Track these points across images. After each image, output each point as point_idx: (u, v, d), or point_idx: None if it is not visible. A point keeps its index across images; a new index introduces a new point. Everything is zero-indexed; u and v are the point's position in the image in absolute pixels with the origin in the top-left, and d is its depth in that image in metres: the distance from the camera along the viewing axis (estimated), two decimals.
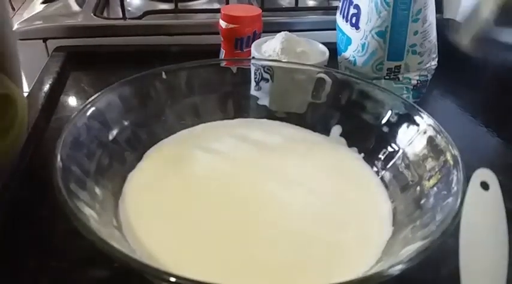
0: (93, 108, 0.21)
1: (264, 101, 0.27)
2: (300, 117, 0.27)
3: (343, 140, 0.26)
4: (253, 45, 0.31)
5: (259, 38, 0.33)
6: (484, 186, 0.23)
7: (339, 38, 0.32)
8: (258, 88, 0.27)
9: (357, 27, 0.30)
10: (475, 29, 0.34)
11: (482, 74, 0.32)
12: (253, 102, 0.27)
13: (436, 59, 0.31)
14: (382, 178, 0.23)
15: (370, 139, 0.24)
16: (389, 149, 0.23)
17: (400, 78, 0.30)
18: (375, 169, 0.24)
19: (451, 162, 0.19)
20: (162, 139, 0.25)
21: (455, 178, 0.19)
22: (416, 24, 0.28)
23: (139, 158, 0.23)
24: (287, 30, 0.31)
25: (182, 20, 0.41)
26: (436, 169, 0.20)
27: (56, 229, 0.21)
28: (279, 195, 0.22)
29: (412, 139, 0.22)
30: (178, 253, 0.18)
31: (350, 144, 0.25)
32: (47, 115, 0.29)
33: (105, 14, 0.42)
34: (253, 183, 0.22)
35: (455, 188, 0.18)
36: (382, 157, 0.23)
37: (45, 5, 0.41)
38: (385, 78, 0.30)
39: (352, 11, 0.30)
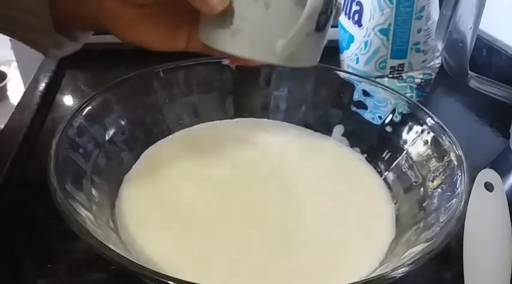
0: (89, 108, 0.21)
1: (233, 43, 0.17)
2: (301, 116, 0.26)
3: (345, 140, 0.25)
4: None
5: None
6: (488, 186, 0.23)
7: (341, 35, 0.32)
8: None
9: (360, 25, 0.29)
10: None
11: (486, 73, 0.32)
12: (254, 102, 0.27)
13: (440, 58, 0.31)
14: (385, 179, 0.23)
15: (373, 140, 0.24)
16: (393, 149, 0.23)
17: (404, 77, 0.30)
18: (378, 169, 0.23)
19: (455, 163, 0.19)
20: (160, 139, 0.24)
21: (459, 179, 0.18)
22: (419, 22, 0.28)
23: (136, 158, 0.23)
24: None
25: None
26: (440, 170, 0.20)
27: (52, 231, 0.21)
28: (280, 197, 0.21)
29: (415, 139, 0.22)
30: (175, 256, 0.18)
31: (352, 144, 0.25)
32: (42, 115, 0.29)
33: None
34: (254, 184, 0.22)
35: (459, 189, 0.18)
36: (385, 158, 0.23)
37: None
38: (388, 77, 0.30)
39: (355, 8, 0.29)
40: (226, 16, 0.16)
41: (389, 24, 0.28)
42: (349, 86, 0.25)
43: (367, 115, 0.25)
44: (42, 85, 0.31)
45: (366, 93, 0.24)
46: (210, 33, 0.17)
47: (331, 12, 0.17)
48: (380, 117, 0.24)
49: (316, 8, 0.16)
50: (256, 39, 0.17)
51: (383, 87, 0.24)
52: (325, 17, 0.17)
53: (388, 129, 0.23)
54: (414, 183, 0.21)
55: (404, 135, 0.23)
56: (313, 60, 0.18)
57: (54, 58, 0.31)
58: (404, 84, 0.30)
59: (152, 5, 0.17)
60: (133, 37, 0.17)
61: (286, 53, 0.17)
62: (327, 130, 0.26)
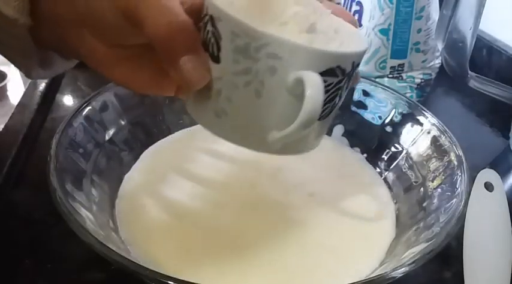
0: (89, 108, 0.21)
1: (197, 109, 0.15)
2: None
3: (345, 140, 0.25)
4: None
5: None
6: (488, 186, 0.23)
7: None
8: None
9: (360, 25, 0.29)
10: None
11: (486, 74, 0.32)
12: None
13: (440, 58, 0.31)
14: (385, 179, 0.23)
15: (373, 139, 0.24)
16: (393, 149, 0.23)
17: (404, 77, 0.30)
18: (378, 169, 0.23)
19: (455, 163, 0.19)
20: (159, 139, 0.24)
21: (459, 179, 0.19)
22: (419, 22, 0.28)
23: (136, 158, 0.23)
24: None
25: None
26: (440, 170, 0.20)
27: (52, 231, 0.21)
28: (280, 197, 0.21)
29: (415, 139, 0.22)
30: (175, 255, 0.18)
31: (352, 144, 0.25)
32: (42, 115, 0.29)
33: None
34: (253, 184, 0.22)
35: (459, 189, 0.18)
36: (385, 158, 0.23)
37: None
38: (388, 77, 0.30)
39: (355, 7, 0.29)
40: (211, 92, 0.14)
41: (390, 24, 0.28)
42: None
43: (367, 115, 0.25)
44: (42, 86, 0.31)
45: (365, 93, 0.24)
46: (194, 106, 0.15)
47: (340, 98, 0.14)
48: (380, 117, 0.24)
49: (315, 110, 0.12)
50: (244, 126, 0.14)
51: (383, 87, 0.24)
52: (330, 105, 0.14)
53: (388, 129, 0.23)
54: (414, 183, 0.21)
55: (404, 135, 0.23)
56: (312, 147, 0.16)
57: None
58: (404, 84, 0.30)
59: (136, 47, 0.14)
60: (115, 77, 0.15)
61: (279, 146, 0.14)
62: (327, 130, 0.26)
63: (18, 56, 0.16)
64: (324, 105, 0.14)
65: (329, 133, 0.26)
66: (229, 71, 0.13)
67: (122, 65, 0.15)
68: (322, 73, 0.13)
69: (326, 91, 0.13)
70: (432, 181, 0.20)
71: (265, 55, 0.13)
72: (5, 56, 0.16)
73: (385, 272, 0.15)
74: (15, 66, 0.17)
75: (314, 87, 0.12)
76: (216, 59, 0.13)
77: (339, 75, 0.13)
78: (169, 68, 0.14)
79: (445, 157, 0.20)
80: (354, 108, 0.25)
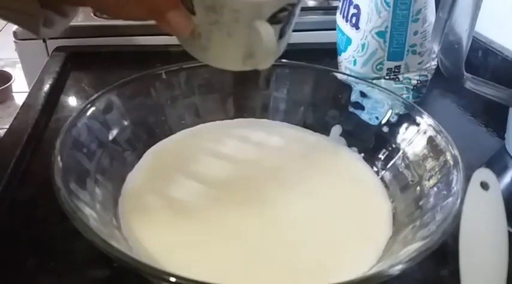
0: (93, 108, 0.21)
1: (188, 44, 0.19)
2: (300, 117, 0.27)
3: (343, 140, 0.26)
4: None
5: None
6: (484, 185, 0.23)
7: (338, 38, 0.32)
8: None
9: (357, 27, 0.30)
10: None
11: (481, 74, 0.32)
12: (254, 102, 0.27)
13: (436, 59, 0.31)
14: (382, 178, 0.23)
15: (370, 139, 0.24)
16: (389, 149, 0.23)
17: (400, 78, 0.31)
18: (375, 169, 0.24)
19: (451, 162, 0.19)
20: (162, 139, 0.25)
21: (455, 178, 0.19)
22: (416, 24, 0.29)
23: (139, 158, 0.23)
24: None
25: None
26: (436, 169, 0.20)
27: (56, 229, 0.21)
28: (279, 196, 0.22)
29: (412, 139, 0.22)
30: (177, 253, 0.18)
31: (350, 144, 0.25)
32: (46, 115, 0.29)
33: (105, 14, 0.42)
34: (253, 183, 0.22)
35: (455, 188, 0.18)
36: (382, 157, 0.23)
37: None
38: (385, 78, 0.30)
39: (352, 11, 0.30)
40: (194, 35, 0.18)
41: (386, 27, 0.28)
42: (347, 87, 0.25)
43: (364, 115, 0.25)
44: (46, 86, 0.32)
45: (363, 94, 0.25)
46: (185, 42, 0.19)
47: (294, 16, 0.18)
48: (377, 118, 0.24)
49: (271, 46, 0.17)
50: (222, 56, 0.19)
51: (380, 88, 0.24)
52: (288, 25, 0.19)
53: (385, 129, 0.24)
54: (411, 182, 0.21)
55: (401, 135, 0.23)
56: (278, 54, 0.20)
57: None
58: (401, 85, 0.31)
59: None
60: (120, 15, 0.18)
61: (251, 66, 0.19)
62: (325, 131, 0.26)
63: (26, 18, 0.18)
64: (283, 28, 0.18)
65: (327, 133, 0.26)
66: (204, 21, 0.18)
67: (125, 4, 0.18)
68: (276, 13, 0.17)
69: (281, 22, 0.18)
70: (428, 180, 0.20)
71: (228, 11, 0.17)
72: (14, 22, 0.19)
73: (382, 270, 0.15)
74: (24, 28, 0.19)
75: (266, 33, 0.17)
76: (192, 12, 0.18)
77: (289, 7, 0.18)
78: (161, 23, 0.17)
79: (441, 157, 0.20)
80: (351, 109, 0.25)
